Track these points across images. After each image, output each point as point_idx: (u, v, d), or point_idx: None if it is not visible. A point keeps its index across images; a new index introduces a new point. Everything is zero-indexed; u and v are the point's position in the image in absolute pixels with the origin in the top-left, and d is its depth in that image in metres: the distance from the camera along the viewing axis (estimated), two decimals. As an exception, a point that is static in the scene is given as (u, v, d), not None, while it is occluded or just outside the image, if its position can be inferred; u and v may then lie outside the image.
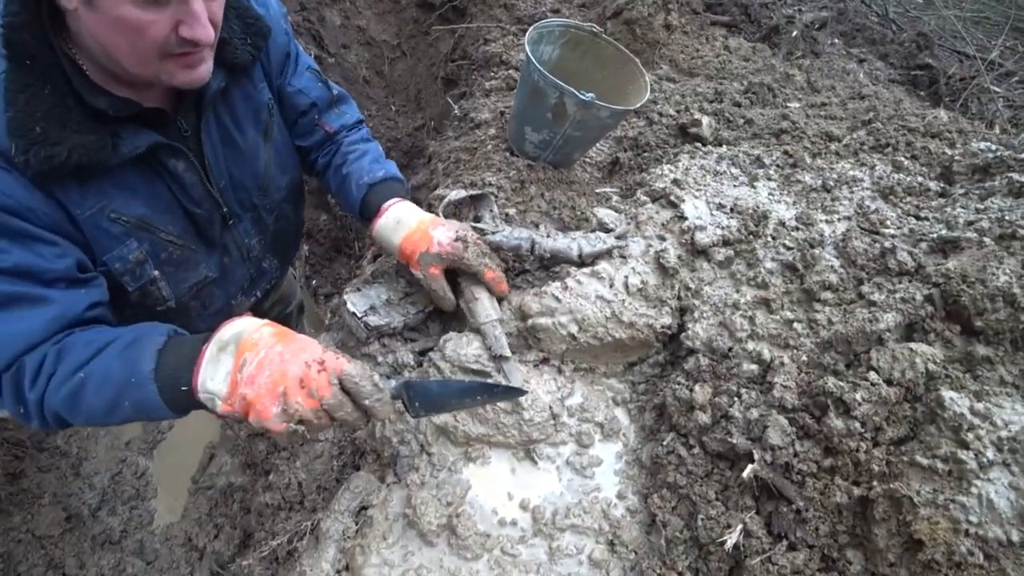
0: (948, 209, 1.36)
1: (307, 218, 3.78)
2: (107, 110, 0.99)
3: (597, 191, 1.89)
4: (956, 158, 1.54)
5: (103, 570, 2.32)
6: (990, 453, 0.89)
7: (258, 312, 1.93)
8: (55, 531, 2.40)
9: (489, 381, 1.26)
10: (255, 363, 0.92)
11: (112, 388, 0.94)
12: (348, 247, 3.62)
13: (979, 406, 0.93)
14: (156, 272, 1.22)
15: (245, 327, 0.98)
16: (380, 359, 1.43)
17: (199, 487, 2.46)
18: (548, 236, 1.49)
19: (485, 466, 1.26)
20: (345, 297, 1.46)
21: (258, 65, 1.31)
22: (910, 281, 1.17)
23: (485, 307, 1.35)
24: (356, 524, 1.19)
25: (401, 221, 1.37)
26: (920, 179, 1.51)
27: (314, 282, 3.44)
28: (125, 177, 1.10)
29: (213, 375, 0.93)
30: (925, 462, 0.93)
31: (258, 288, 1.66)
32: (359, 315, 1.41)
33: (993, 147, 1.56)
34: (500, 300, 1.42)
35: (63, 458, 2.64)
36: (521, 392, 1.16)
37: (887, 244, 1.24)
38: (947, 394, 0.96)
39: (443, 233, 1.33)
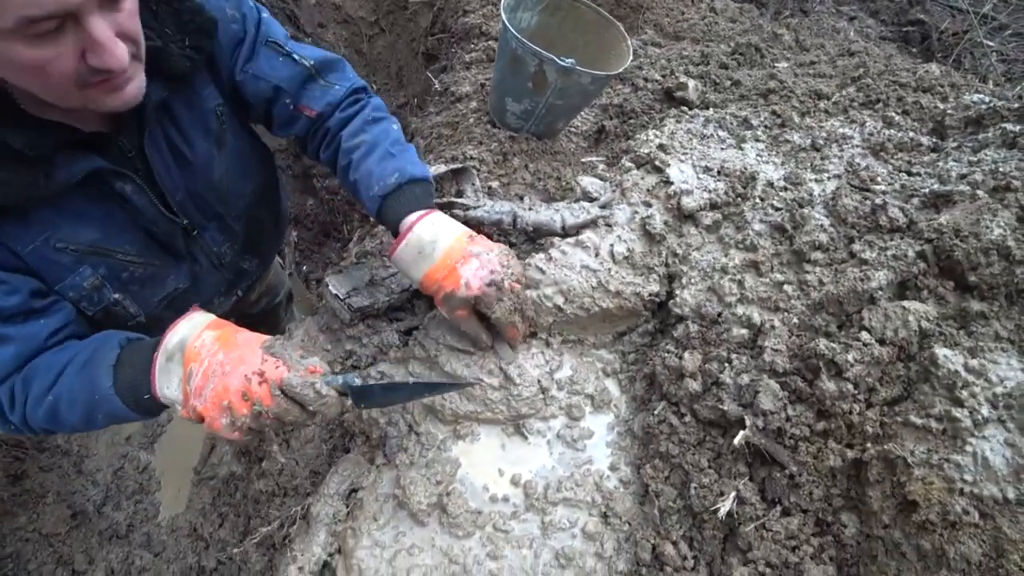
0: (940, 163, 1.33)
1: (293, 203, 3.73)
2: (23, 150, 0.90)
3: (583, 160, 1.85)
4: (948, 112, 1.50)
5: (112, 564, 2.34)
6: (985, 410, 0.87)
7: (244, 307, 1.89)
8: (61, 529, 2.42)
9: (436, 381, 1.24)
10: (200, 374, 0.91)
11: (81, 406, 0.96)
12: (337, 231, 3.57)
13: (974, 363, 0.91)
14: (117, 295, 1.17)
15: (188, 333, 0.96)
16: (365, 340, 1.40)
17: (201, 478, 2.46)
18: (531, 209, 1.45)
19: (475, 443, 1.24)
20: (327, 280, 1.43)
21: (202, 70, 1.16)
22: (902, 238, 1.14)
23: (507, 352, 1.27)
24: (347, 507, 1.18)
25: (422, 251, 1.13)
26: (912, 134, 1.47)
27: (304, 267, 3.40)
28: (71, 204, 1.03)
29: (168, 383, 0.94)
30: (919, 422, 0.91)
31: (238, 288, 1.60)
32: (342, 297, 1.38)
33: (986, 99, 1.51)
34: None
35: (64, 457, 2.64)
36: (472, 383, 1.14)
37: (878, 201, 1.21)
38: (941, 352, 0.94)
39: (474, 272, 1.11)
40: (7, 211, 0.94)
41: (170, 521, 2.42)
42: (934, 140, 1.45)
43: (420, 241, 1.14)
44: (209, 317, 1.01)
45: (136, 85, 0.93)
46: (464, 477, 1.21)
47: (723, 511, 1.03)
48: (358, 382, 0.98)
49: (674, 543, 1.09)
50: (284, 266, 3.14)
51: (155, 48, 1.00)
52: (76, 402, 0.96)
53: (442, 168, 1.55)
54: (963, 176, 1.22)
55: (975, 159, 1.28)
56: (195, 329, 0.97)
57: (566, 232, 1.41)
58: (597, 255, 1.33)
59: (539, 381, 1.26)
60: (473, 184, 1.55)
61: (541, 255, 1.34)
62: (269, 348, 0.94)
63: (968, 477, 0.84)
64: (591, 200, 1.50)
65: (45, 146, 0.93)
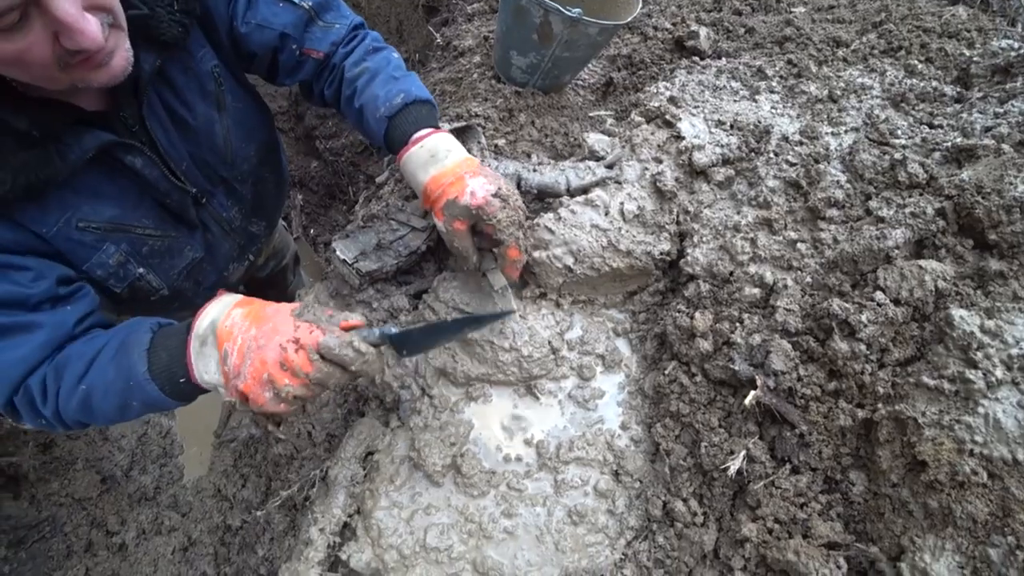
0: (964, 115, 1.28)
1: (297, 166, 3.69)
2: (29, 130, 0.88)
3: (590, 115, 1.80)
4: (975, 59, 1.43)
5: (143, 525, 2.44)
6: (999, 372, 0.86)
7: (253, 271, 1.90)
8: (93, 493, 2.52)
9: (474, 315, 1.21)
10: (235, 352, 0.89)
11: (116, 394, 0.95)
12: (343, 192, 3.54)
13: (990, 324, 0.90)
14: (141, 269, 1.17)
15: (217, 314, 0.95)
16: (375, 305, 1.40)
17: (222, 441, 2.53)
18: (535, 170, 1.42)
19: (487, 404, 1.26)
20: (334, 245, 1.42)
21: (195, 30, 1.12)
22: (921, 194, 1.11)
23: (498, 276, 1.24)
24: (364, 469, 1.21)
25: (436, 156, 1.14)
26: (935, 84, 1.42)
27: (311, 231, 3.39)
28: (87, 182, 1.02)
29: (206, 368, 0.93)
30: (932, 383, 0.91)
31: (249, 253, 1.60)
32: (350, 262, 1.37)
33: (1016, 45, 1.44)
34: None
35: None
36: (509, 312, 1.12)
37: (897, 156, 1.17)
38: (957, 312, 0.93)
39: (481, 184, 1.10)
40: (28, 194, 0.93)
41: (195, 483, 2.51)
42: (958, 90, 1.39)
43: (435, 147, 1.15)
44: (236, 297, 0.99)
45: (121, 56, 0.89)
46: (477, 438, 1.23)
47: (733, 469, 1.05)
48: (395, 330, 0.96)
49: (684, 500, 1.11)
50: (291, 230, 3.13)
51: (143, 16, 0.96)
52: (110, 391, 0.95)
53: (446, 127, 1.51)
54: (988, 129, 1.18)
55: (1001, 111, 1.23)
56: (224, 309, 0.95)
57: (571, 194, 1.38)
58: (607, 214, 1.30)
59: (550, 342, 1.26)
60: (479, 142, 1.52)
61: (550, 215, 1.32)
62: (300, 314, 0.92)
63: (979, 438, 0.84)
64: (598, 159, 1.46)
65: (49, 125, 0.91)
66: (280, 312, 0.93)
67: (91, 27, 0.79)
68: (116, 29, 0.87)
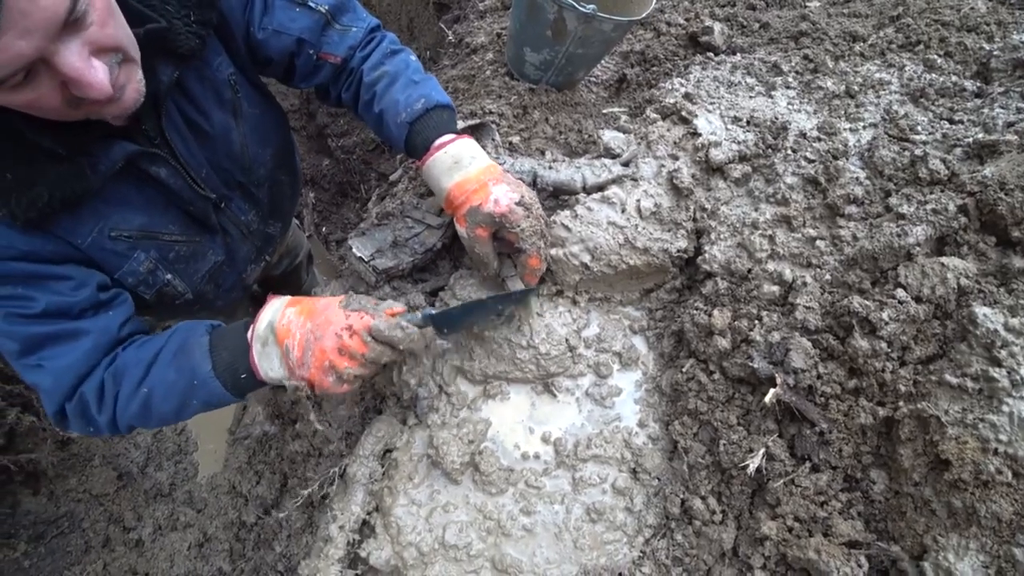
0: (985, 110, 1.26)
1: (309, 164, 3.70)
2: (56, 148, 0.90)
3: (604, 111, 1.80)
4: (995, 53, 1.41)
5: (159, 520, 2.48)
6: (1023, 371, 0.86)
7: (267, 269, 1.91)
8: (110, 489, 2.56)
9: (508, 292, 1.25)
10: (296, 346, 0.98)
11: (178, 394, 1.02)
12: (354, 190, 3.54)
13: (1014, 322, 0.89)
14: (168, 275, 1.20)
15: (272, 316, 1.03)
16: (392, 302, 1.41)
17: (236, 438, 2.56)
18: (551, 167, 1.42)
19: (504, 402, 1.27)
20: (350, 242, 1.43)
21: (211, 39, 1.12)
22: (942, 191, 1.10)
23: (517, 284, 1.26)
24: (382, 467, 1.21)
25: (460, 162, 1.15)
26: (954, 78, 1.40)
27: (324, 229, 3.40)
28: (116, 193, 1.04)
29: (270, 366, 1.01)
30: (954, 381, 0.90)
31: (265, 254, 1.62)
32: (366, 259, 1.38)
33: (1035, 36, 1.42)
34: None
35: (107, 422, 2.75)
36: (533, 291, 1.22)
37: (917, 151, 1.16)
38: (980, 310, 0.92)
39: (504, 192, 1.12)
40: (65, 207, 0.95)
41: (209, 479, 2.54)
42: (978, 85, 1.38)
43: (459, 153, 1.16)
44: (286, 298, 1.07)
45: (133, 89, 0.90)
46: (495, 436, 1.23)
47: (752, 467, 1.05)
48: (434, 311, 1.07)
49: (703, 498, 1.11)
50: (303, 228, 3.14)
51: (161, 28, 0.97)
52: (171, 392, 1.01)
53: (460, 125, 1.51)
54: (1010, 124, 1.16)
55: (1023, 105, 1.22)
56: (278, 310, 1.03)
57: (588, 192, 1.38)
58: (623, 211, 1.30)
59: (567, 339, 1.26)
60: (493, 140, 1.52)
61: (567, 212, 1.32)
62: (348, 305, 1.00)
63: (1003, 437, 0.84)
64: (613, 157, 1.46)
65: (78, 140, 0.92)
66: (330, 305, 1.01)
67: (99, 77, 0.79)
68: (127, 63, 0.87)
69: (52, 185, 0.90)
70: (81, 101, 0.82)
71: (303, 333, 0.99)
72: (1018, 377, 0.85)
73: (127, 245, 1.09)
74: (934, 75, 1.43)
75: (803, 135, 1.35)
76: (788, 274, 1.16)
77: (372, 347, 0.97)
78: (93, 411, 1.02)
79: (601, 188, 1.37)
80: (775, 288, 1.17)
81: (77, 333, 1.00)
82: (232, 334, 1.05)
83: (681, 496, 1.14)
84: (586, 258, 1.28)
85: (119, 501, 2.53)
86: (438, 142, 1.18)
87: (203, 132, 1.17)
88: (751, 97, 1.53)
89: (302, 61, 1.25)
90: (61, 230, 0.99)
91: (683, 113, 1.45)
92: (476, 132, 1.55)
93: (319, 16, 1.22)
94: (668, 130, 1.45)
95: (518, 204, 1.11)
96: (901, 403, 0.96)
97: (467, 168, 1.15)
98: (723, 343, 1.16)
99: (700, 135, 1.39)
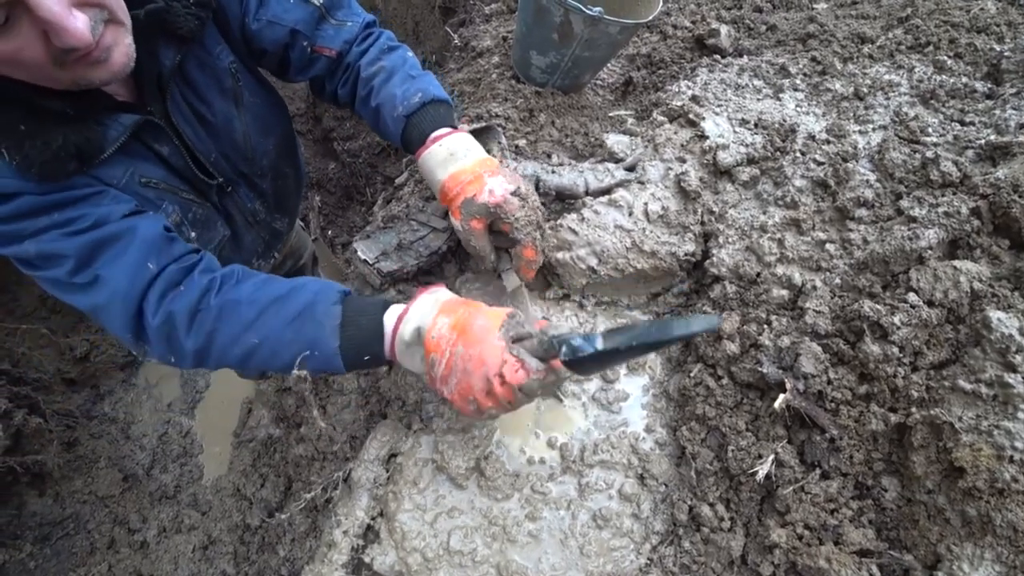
0: (997, 112, 1.25)
1: (315, 168, 3.71)
2: (64, 109, 0.91)
3: (610, 114, 1.79)
4: (1006, 54, 1.40)
5: (164, 523, 2.48)
6: (1041, 375, 0.84)
7: (273, 271, 1.91)
8: (115, 491, 2.57)
9: (665, 336, 0.79)
10: (443, 364, 0.93)
11: (288, 356, 0.96)
12: (360, 194, 3.55)
13: (1030, 325, 0.87)
14: (193, 233, 1.20)
15: (421, 320, 0.96)
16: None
17: (241, 441, 2.56)
18: (554, 172, 1.41)
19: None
20: (355, 245, 1.42)
21: (211, 27, 1.14)
22: (954, 193, 1.09)
23: (512, 278, 1.26)
24: (387, 471, 1.20)
25: (455, 154, 1.14)
26: (965, 80, 1.38)
27: (329, 232, 3.40)
28: (135, 150, 1.06)
29: (412, 363, 0.99)
30: (968, 387, 0.89)
31: (274, 250, 1.62)
32: (371, 262, 1.38)
33: (1047, 37, 1.41)
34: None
35: (112, 424, 2.77)
36: (717, 318, 0.79)
37: (928, 154, 1.15)
38: (994, 315, 0.90)
39: (500, 183, 1.11)
40: (79, 159, 0.95)
41: (214, 482, 2.54)
42: (989, 86, 1.36)
43: (454, 146, 1.15)
44: (437, 299, 1.00)
45: (122, 52, 0.89)
46: (500, 441, 1.22)
47: (761, 473, 1.03)
48: (586, 350, 0.83)
49: (711, 504, 1.10)
50: (308, 231, 3.15)
51: (159, 9, 0.98)
52: (282, 352, 0.96)
53: (466, 128, 1.51)
54: (1022, 126, 1.15)
55: (1035, 106, 1.20)
56: (429, 315, 0.96)
57: (590, 196, 1.37)
58: (631, 214, 1.29)
59: (572, 345, 1.25)
60: (500, 143, 1.51)
61: (574, 215, 1.31)
62: (507, 331, 0.93)
63: (1019, 444, 0.82)
64: (617, 161, 1.45)
65: (86, 109, 0.94)
66: (488, 334, 0.92)
67: (78, 24, 0.78)
68: (114, 24, 0.86)
69: (65, 135, 0.91)
70: (67, 56, 0.80)
71: (453, 354, 0.92)
72: (1034, 383, 0.84)
73: (156, 193, 1.09)
74: (944, 76, 1.41)
75: (812, 137, 1.34)
76: (797, 278, 1.15)
77: (518, 399, 0.93)
78: (181, 334, 0.96)
79: (604, 192, 1.36)
80: (784, 292, 1.15)
81: (127, 231, 0.97)
82: (367, 317, 0.98)
83: (689, 502, 1.12)
84: (593, 262, 1.27)
85: (124, 503, 2.53)
86: (434, 135, 1.17)
87: (205, 120, 1.18)
88: (759, 99, 1.52)
89: (296, 53, 1.24)
90: (98, 173, 1.00)
91: (690, 116, 1.44)
92: (482, 135, 1.54)
93: (313, 9, 1.22)
94: (675, 133, 1.44)
95: (513, 194, 1.10)
96: (913, 409, 0.94)
97: (462, 160, 1.14)
98: (732, 347, 1.14)
99: (708, 138, 1.38)
